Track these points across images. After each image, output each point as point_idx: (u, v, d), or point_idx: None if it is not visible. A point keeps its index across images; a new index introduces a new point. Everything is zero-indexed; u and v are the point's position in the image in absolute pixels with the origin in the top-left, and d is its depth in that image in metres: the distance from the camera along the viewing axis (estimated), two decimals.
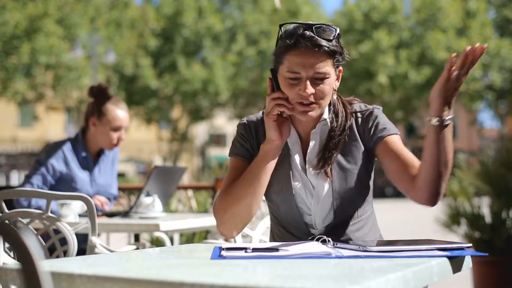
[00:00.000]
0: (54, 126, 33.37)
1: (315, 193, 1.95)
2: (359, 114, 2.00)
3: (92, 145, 3.50)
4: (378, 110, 2.01)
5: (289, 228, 2.01)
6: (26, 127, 33.50)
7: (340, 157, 1.96)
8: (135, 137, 33.22)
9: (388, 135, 1.95)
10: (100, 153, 3.54)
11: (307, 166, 1.97)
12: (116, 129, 3.43)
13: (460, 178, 5.77)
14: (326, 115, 1.98)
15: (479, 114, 35.30)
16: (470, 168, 5.80)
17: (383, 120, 1.99)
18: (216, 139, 42.20)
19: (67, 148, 3.42)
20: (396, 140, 1.96)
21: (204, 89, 27.34)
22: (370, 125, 1.97)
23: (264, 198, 2.04)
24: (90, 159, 3.48)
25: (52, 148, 3.40)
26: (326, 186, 1.95)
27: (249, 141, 2.03)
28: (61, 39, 22.13)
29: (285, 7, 27.78)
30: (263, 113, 2.04)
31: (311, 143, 1.98)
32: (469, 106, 29.87)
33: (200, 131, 38.92)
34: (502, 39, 28.03)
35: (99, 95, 3.48)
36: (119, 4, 25.99)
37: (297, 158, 1.98)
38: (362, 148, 1.97)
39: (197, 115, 29.92)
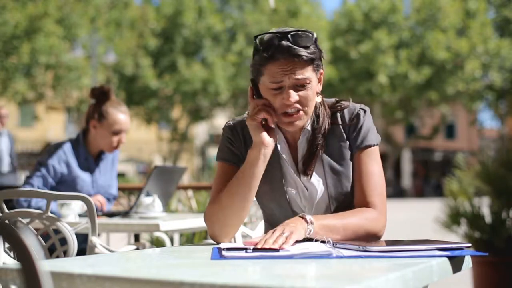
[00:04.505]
0: (54, 126, 33.38)
1: (309, 198, 1.96)
2: (346, 116, 1.98)
3: (93, 147, 3.49)
4: (364, 113, 1.98)
5: None
6: (26, 127, 33.50)
7: (331, 161, 1.96)
8: (135, 137, 33.22)
9: (366, 146, 1.94)
10: (100, 154, 3.53)
11: (300, 174, 1.97)
12: (117, 132, 3.43)
13: (460, 178, 5.77)
14: (307, 125, 1.98)
15: (479, 114, 35.32)
16: (470, 168, 5.81)
17: (367, 124, 1.97)
18: (216, 139, 42.19)
19: (68, 149, 3.41)
20: (370, 154, 1.95)
21: (204, 89, 27.35)
22: (354, 128, 1.96)
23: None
24: (91, 161, 3.48)
25: (53, 149, 3.39)
26: (320, 190, 1.95)
27: (236, 145, 2.00)
28: (61, 39, 22.12)
29: (285, 7, 27.79)
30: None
31: (299, 153, 1.98)
32: (469, 106, 29.90)
33: (200, 131, 38.92)
34: (502, 39, 28.05)
35: (101, 98, 3.46)
36: (119, 4, 25.98)
37: (289, 165, 1.98)
38: (349, 149, 1.98)
39: (197, 115, 29.93)
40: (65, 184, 3.37)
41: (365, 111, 1.99)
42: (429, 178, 42.33)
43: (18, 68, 21.89)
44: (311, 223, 1.75)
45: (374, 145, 1.96)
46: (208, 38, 28.01)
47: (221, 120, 36.41)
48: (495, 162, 5.38)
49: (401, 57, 27.57)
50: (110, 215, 3.27)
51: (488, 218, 5.25)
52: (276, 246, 1.60)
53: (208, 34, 27.97)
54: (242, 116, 2.05)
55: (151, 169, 4.06)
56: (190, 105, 28.88)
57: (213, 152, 37.75)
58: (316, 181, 1.95)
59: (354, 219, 1.83)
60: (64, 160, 3.38)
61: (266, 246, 1.61)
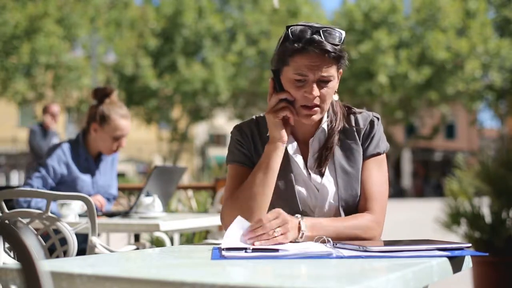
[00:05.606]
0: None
1: (320, 199, 1.95)
2: (360, 121, 2.01)
3: (92, 148, 3.49)
4: (378, 121, 2.02)
5: None
6: (26, 127, 33.47)
7: (343, 162, 1.96)
8: (135, 137, 33.18)
9: (376, 153, 1.98)
10: (100, 154, 3.53)
11: (310, 172, 1.97)
12: (118, 138, 3.43)
13: (460, 178, 5.77)
14: (324, 123, 1.99)
15: (479, 114, 35.32)
16: (470, 168, 5.81)
17: (379, 132, 2.01)
18: (216, 139, 42.20)
19: (68, 150, 3.41)
20: (378, 162, 1.98)
21: (204, 89, 27.35)
22: (368, 134, 1.99)
23: None
24: (91, 161, 3.47)
25: (53, 150, 3.39)
26: (331, 192, 1.94)
27: (246, 146, 2.01)
28: (61, 39, 22.14)
29: (285, 7, 27.79)
30: (255, 117, 2.05)
31: (311, 151, 1.99)
32: (469, 106, 29.89)
33: (200, 131, 38.92)
34: (502, 39, 28.04)
35: (103, 99, 3.45)
36: (119, 4, 25.99)
37: (299, 164, 1.98)
38: (362, 152, 1.99)
39: (197, 115, 29.93)
40: (65, 185, 3.37)
41: (378, 119, 2.03)
42: (429, 178, 42.34)
43: (18, 68, 21.89)
44: (302, 235, 1.76)
45: (382, 153, 1.99)
46: (208, 38, 28.01)
47: (221, 120, 36.41)
48: (495, 162, 5.38)
49: (401, 57, 27.56)
50: (110, 215, 3.27)
51: (488, 218, 5.25)
52: (270, 243, 1.64)
53: (208, 34, 27.97)
54: (247, 120, 2.07)
55: (151, 169, 4.06)
56: (190, 105, 28.88)
57: (213, 152, 37.78)
58: (328, 182, 1.95)
59: (352, 222, 1.86)
60: (64, 161, 3.37)
61: (262, 243, 1.65)
